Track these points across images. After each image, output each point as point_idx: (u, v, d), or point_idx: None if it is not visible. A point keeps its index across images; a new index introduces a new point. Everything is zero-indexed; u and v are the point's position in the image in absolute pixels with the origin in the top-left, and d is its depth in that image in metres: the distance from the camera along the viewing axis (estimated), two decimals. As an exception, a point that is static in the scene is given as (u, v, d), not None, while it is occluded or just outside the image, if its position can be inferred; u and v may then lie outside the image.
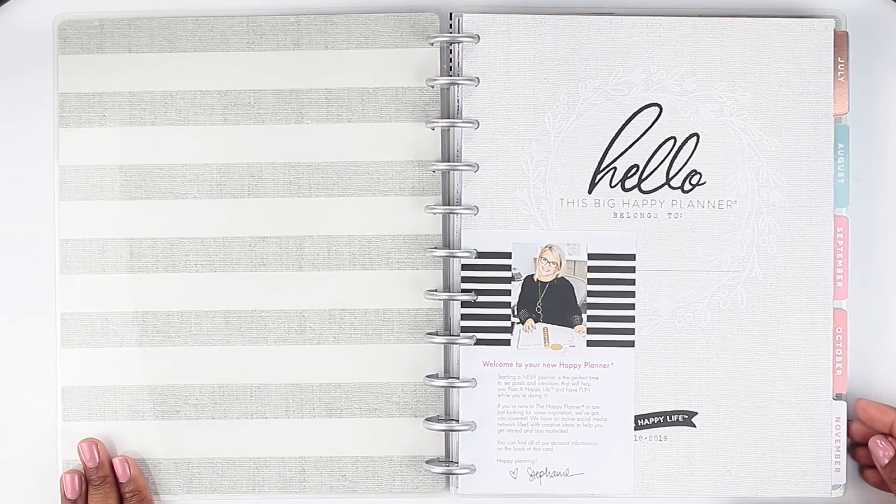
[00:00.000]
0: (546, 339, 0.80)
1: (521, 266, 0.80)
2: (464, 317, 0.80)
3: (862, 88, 0.81)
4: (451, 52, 0.80)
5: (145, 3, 0.81)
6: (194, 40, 0.80)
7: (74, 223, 0.80)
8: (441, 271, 0.80)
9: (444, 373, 0.80)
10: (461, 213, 0.79)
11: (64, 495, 0.79)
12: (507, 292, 0.80)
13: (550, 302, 0.80)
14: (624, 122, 0.79)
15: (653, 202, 0.79)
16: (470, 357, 0.80)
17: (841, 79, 0.80)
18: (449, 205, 0.80)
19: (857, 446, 0.80)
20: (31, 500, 0.81)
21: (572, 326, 0.80)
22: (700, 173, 0.79)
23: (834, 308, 0.80)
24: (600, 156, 0.79)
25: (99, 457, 0.79)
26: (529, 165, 0.79)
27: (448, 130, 0.80)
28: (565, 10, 0.80)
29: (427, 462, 0.80)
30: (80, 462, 0.79)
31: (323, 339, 0.80)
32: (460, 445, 0.80)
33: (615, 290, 0.80)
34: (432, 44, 0.79)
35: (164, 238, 0.80)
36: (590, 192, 0.79)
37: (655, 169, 0.79)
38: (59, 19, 0.80)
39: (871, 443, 0.77)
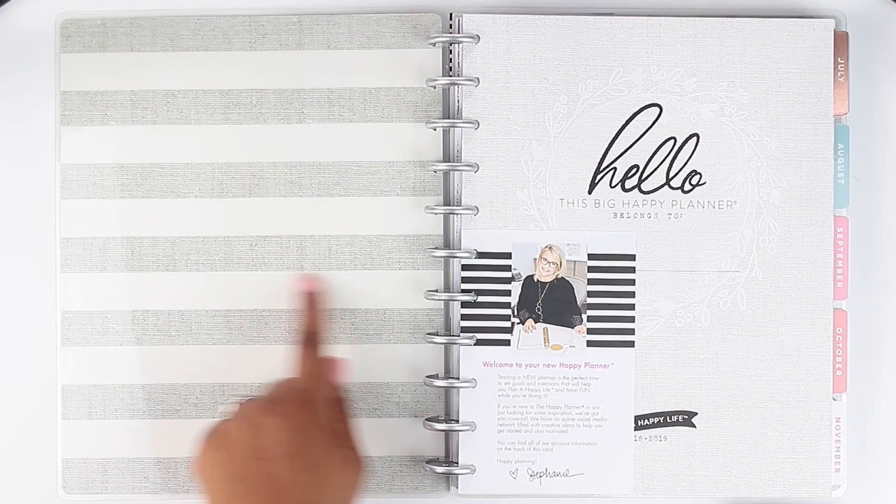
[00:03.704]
0: (546, 340, 0.80)
1: (521, 266, 0.80)
2: (464, 317, 0.80)
3: (862, 88, 0.81)
4: (451, 53, 0.80)
5: (147, 2, 0.81)
6: (196, 39, 0.80)
7: (75, 222, 0.80)
8: (441, 271, 0.81)
9: (445, 373, 0.80)
10: (461, 214, 0.79)
11: None
12: (507, 292, 0.80)
13: (550, 302, 0.80)
14: (624, 122, 0.79)
15: (653, 202, 0.79)
16: (470, 357, 0.80)
17: (841, 79, 0.80)
18: (449, 205, 0.80)
19: None
20: (32, 498, 0.81)
21: (572, 327, 0.80)
22: (700, 173, 0.79)
23: (834, 308, 0.80)
24: (600, 156, 0.79)
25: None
26: (529, 165, 0.79)
27: (448, 131, 0.80)
28: (565, 10, 0.80)
29: (427, 462, 0.80)
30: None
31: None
32: (460, 445, 0.80)
33: (615, 291, 0.80)
34: (433, 44, 0.80)
35: (165, 237, 0.80)
36: (590, 192, 0.80)
37: (655, 169, 0.79)
38: (62, 18, 0.81)
39: None
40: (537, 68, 0.79)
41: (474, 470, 0.79)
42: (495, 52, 0.79)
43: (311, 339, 0.77)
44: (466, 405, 0.80)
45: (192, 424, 0.80)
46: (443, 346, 0.80)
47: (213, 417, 0.80)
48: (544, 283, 0.80)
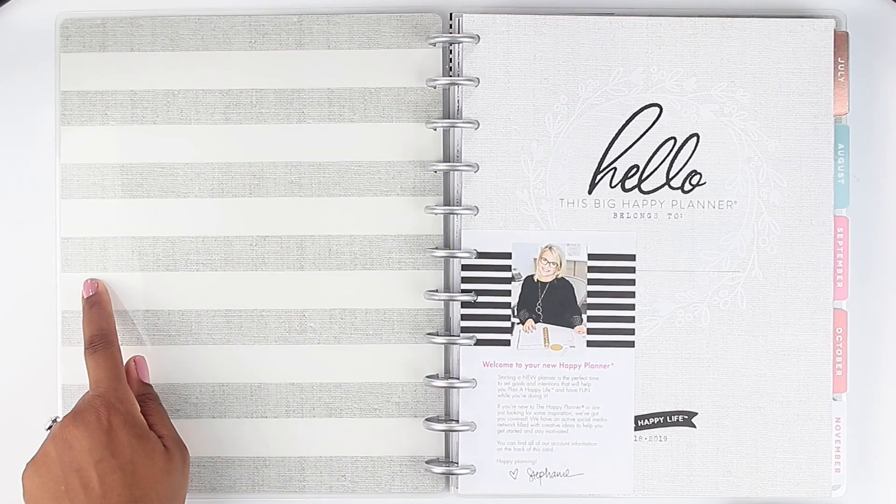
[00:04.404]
0: (546, 340, 0.80)
1: (521, 266, 0.80)
2: (464, 317, 0.80)
3: (862, 88, 0.81)
4: (451, 53, 0.80)
5: (147, 2, 0.81)
6: (196, 39, 0.80)
7: (75, 221, 0.80)
8: (441, 271, 0.81)
9: (444, 373, 0.80)
10: (461, 214, 0.79)
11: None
12: (507, 292, 0.80)
13: (550, 302, 0.80)
14: (624, 122, 0.79)
15: (653, 202, 0.79)
16: (470, 357, 0.80)
17: (841, 79, 0.80)
18: (449, 205, 0.80)
19: None
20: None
21: (572, 327, 0.80)
22: (700, 173, 0.79)
23: (834, 308, 0.80)
24: (600, 156, 0.79)
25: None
26: (529, 166, 0.79)
27: (448, 131, 0.80)
28: (565, 10, 0.80)
29: (427, 462, 0.80)
30: None
31: (323, 339, 0.80)
32: (460, 446, 0.80)
33: (615, 291, 0.80)
34: (433, 44, 0.80)
35: (165, 237, 0.80)
36: (590, 192, 0.80)
37: (655, 169, 0.79)
38: (62, 17, 0.81)
39: None
40: (537, 68, 0.79)
41: (474, 470, 0.79)
42: (495, 52, 0.79)
43: (97, 343, 0.77)
44: (466, 405, 0.80)
45: (192, 424, 0.80)
46: (443, 346, 0.80)
47: (213, 417, 0.80)
48: (544, 283, 0.80)
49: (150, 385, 0.80)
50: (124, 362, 0.79)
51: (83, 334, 0.78)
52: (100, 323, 0.78)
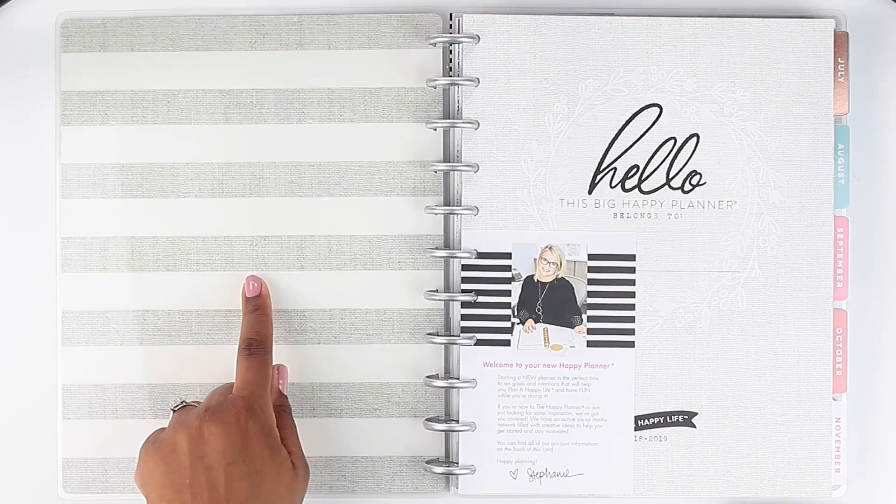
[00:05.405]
0: (546, 340, 0.80)
1: (522, 266, 0.80)
2: (464, 317, 0.80)
3: (862, 88, 0.81)
4: (451, 53, 0.80)
5: (148, 2, 0.81)
6: (197, 39, 0.81)
7: (75, 221, 0.80)
8: (441, 271, 0.81)
9: (445, 373, 0.80)
10: (461, 214, 0.79)
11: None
12: (508, 293, 0.80)
13: (550, 302, 0.80)
14: (624, 122, 0.79)
15: (653, 202, 0.79)
16: (470, 357, 0.80)
17: (841, 79, 0.80)
18: (449, 205, 0.80)
19: None
20: (32, 496, 0.81)
21: (572, 327, 0.80)
22: (700, 174, 0.79)
23: (834, 308, 0.80)
24: (600, 156, 0.79)
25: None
26: (529, 166, 0.79)
27: (448, 131, 0.80)
28: (565, 10, 0.80)
29: (427, 462, 0.80)
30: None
31: (323, 338, 0.80)
32: (460, 446, 0.80)
33: (615, 291, 0.80)
34: (433, 44, 0.80)
35: (165, 237, 0.81)
36: (590, 192, 0.80)
37: (656, 169, 0.79)
38: (62, 17, 0.81)
39: None
40: (537, 68, 0.79)
41: (474, 470, 0.79)
42: (495, 52, 0.79)
43: (254, 347, 0.76)
44: (466, 405, 0.80)
45: (192, 424, 0.80)
46: (443, 346, 0.80)
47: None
48: (544, 284, 0.80)
49: (286, 396, 0.79)
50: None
51: (241, 333, 0.77)
52: (260, 328, 0.77)
